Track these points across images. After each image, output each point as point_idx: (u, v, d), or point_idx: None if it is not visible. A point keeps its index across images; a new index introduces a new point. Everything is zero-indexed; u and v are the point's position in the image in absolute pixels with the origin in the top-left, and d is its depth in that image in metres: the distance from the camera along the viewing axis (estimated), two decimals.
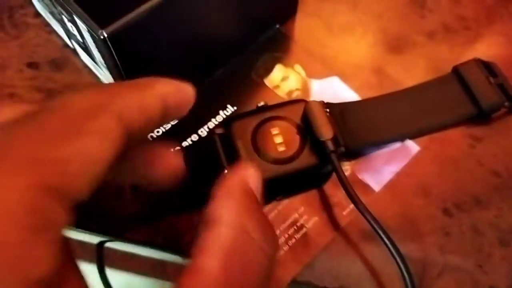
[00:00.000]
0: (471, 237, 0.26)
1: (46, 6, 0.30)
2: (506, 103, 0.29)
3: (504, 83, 0.29)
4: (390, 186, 0.28)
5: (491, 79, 0.30)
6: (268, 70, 0.31)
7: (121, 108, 0.13)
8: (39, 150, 0.10)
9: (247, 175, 0.17)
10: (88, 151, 0.11)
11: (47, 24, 0.33)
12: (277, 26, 0.33)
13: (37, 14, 0.34)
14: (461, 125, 0.30)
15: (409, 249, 0.26)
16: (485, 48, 0.33)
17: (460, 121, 0.29)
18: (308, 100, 0.26)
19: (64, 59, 0.32)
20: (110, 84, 0.14)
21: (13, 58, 0.32)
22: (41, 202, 0.10)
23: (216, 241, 0.14)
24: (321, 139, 0.24)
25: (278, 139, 0.25)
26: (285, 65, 0.32)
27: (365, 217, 0.23)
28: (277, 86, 0.31)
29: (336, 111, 0.27)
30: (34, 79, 0.31)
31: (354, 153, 0.28)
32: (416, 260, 0.26)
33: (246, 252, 0.14)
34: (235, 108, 0.29)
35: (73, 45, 0.31)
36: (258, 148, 0.24)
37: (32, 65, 0.32)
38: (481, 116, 0.29)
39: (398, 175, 0.28)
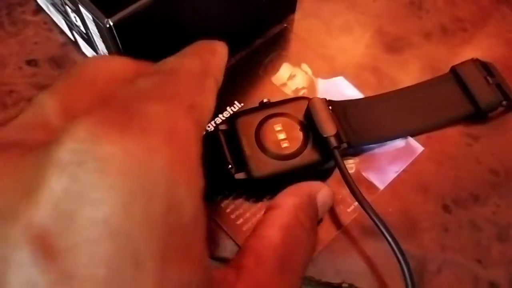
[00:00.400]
0: (470, 232, 0.27)
1: None
2: (504, 102, 0.30)
3: (501, 83, 0.30)
4: (389, 183, 0.28)
5: (489, 79, 0.30)
6: (276, 68, 0.32)
7: (214, 72, 0.16)
8: (191, 98, 0.14)
9: (321, 191, 0.21)
10: (209, 102, 0.15)
11: (46, 22, 0.33)
12: (285, 25, 0.34)
13: (36, 11, 0.34)
14: (459, 123, 0.30)
15: (409, 245, 0.26)
16: (481, 49, 0.34)
17: (458, 119, 0.30)
18: (314, 95, 0.26)
19: (63, 56, 0.32)
20: (197, 50, 0.17)
21: (12, 56, 0.32)
22: (200, 135, 0.14)
23: (277, 218, 0.18)
24: (324, 136, 0.24)
25: (282, 136, 0.25)
26: (292, 63, 0.32)
27: (367, 212, 0.24)
28: (284, 84, 0.31)
29: (339, 108, 0.27)
30: (33, 76, 0.31)
31: (356, 149, 0.28)
32: (416, 255, 0.26)
33: (297, 232, 0.18)
34: (242, 104, 0.29)
35: (74, 37, 0.30)
36: (262, 144, 0.24)
37: (31, 62, 0.32)
38: (478, 115, 0.30)
39: (398, 173, 0.28)
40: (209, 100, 0.15)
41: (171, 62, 0.16)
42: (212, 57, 0.17)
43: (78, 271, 0.10)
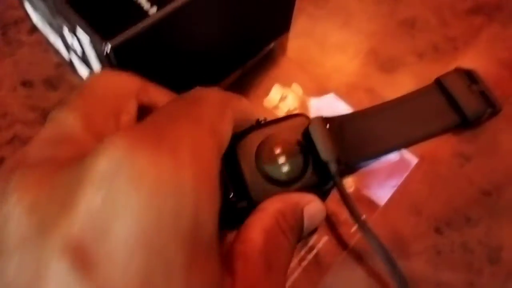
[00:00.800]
0: (462, 255, 0.27)
1: (45, 17, 0.30)
2: (489, 110, 0.29)
3: (485, 90, 0.30)
4: (385, 203, 0.28)
5: (473, 87, 0.30)
6: (267, 91, 0.32)
7: (233, 110, 0.18)
8: (213, 122, 0.15)
9: (310, 204, 0.21)
10: (228, 131, 0.17)
11: (42, 42, 0.33)
12: (272, 45, 0.34)
13: (32, 31, 0.34)
14: (451, 143, 0.31)
15: (402, 267, 0.26)
16: (473, 67, 0.34)
17: (446, 129, 0.29)
18: (307, 115, 0.26)
19: (58, 78, 0.32)
20: (222, 91, 0.19)
21: (6, 77, 0.32)
22: (219, 157, 0.15)
23: (259, 221, 0.19)
24: (326, 160, 0.24)
25: (282, 159, 0.24)
26: (283, 84, 0.32)
27: (367, 237, 0.23)
28: (276, 107, 0.31)
29: (335, 125, 0.28)
30: (28, 97, 0.31)
31: (353, 168, 0.28)
32: (409, 278, 0.26)
33: (278, 236, 0.19)
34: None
35: (70, 57, 0.31)
36: (262, 168, 0.24)
37: (26, 83, 0.32)
38: (466, 124, 0.29)
39: (395, 187, 0.29)
40: (228, 129, 0.17)
41: (196, 91, 0.17)
42: (231, 96, 0.19)
43: (114, 282, 0.11)
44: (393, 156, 0.30)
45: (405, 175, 0.29)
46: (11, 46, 0.33)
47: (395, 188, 0.29)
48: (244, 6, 0.29)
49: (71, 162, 0.13)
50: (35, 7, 0.31)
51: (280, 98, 0.32)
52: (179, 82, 0.27)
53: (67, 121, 0.15)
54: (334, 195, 0.28)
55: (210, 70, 0.31)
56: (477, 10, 0.38)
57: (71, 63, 0.32)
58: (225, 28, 0.29)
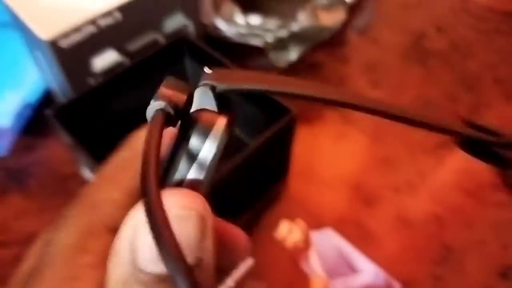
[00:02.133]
0: None
1: None
2: None
3: None
4: None
5: None
6: (273, 224, 0.39)
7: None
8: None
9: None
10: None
11: None
12: (279, 187, 0.42)
13: (83, 183, 0.43)
14: (426, 262, 0.37)
15: None
16: (438, 197, 0.42)
17: None
18: None
19: None
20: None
21: None
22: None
23: None
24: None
25: None
26: (288, 219, 0.40)
27: None
28: (284, 239, 0.39)
29: None
30: None
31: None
32: None
33: None
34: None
35: None
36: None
37: None
38: None
39: None
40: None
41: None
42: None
43: None
44: (379, 282, 0.36)
45: None
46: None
47: None
48: (249, 171, 0.37)
49: None
50: (89, 169, 0.40)
51: (287, 231, 0.39)
52: None
53: None
54: None
55: (227, 209, 0.38)
56: (443, 144, 0.46)
57: None
58: (233, 178, 0.36)
